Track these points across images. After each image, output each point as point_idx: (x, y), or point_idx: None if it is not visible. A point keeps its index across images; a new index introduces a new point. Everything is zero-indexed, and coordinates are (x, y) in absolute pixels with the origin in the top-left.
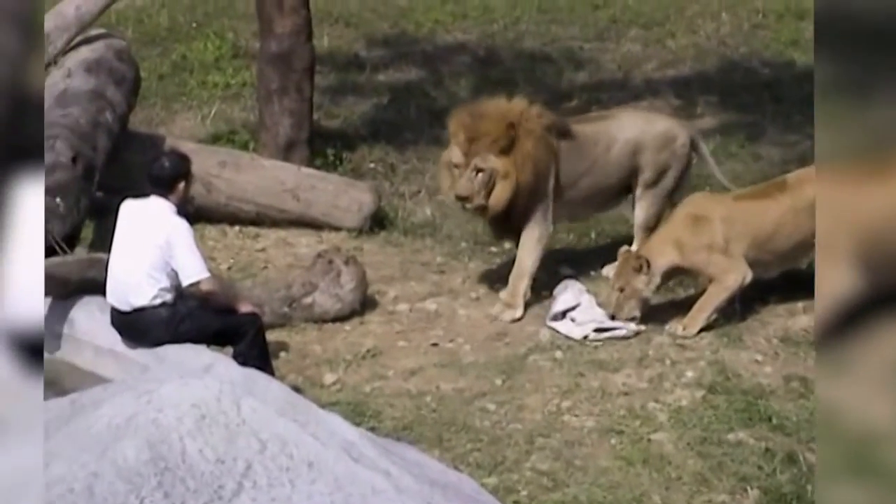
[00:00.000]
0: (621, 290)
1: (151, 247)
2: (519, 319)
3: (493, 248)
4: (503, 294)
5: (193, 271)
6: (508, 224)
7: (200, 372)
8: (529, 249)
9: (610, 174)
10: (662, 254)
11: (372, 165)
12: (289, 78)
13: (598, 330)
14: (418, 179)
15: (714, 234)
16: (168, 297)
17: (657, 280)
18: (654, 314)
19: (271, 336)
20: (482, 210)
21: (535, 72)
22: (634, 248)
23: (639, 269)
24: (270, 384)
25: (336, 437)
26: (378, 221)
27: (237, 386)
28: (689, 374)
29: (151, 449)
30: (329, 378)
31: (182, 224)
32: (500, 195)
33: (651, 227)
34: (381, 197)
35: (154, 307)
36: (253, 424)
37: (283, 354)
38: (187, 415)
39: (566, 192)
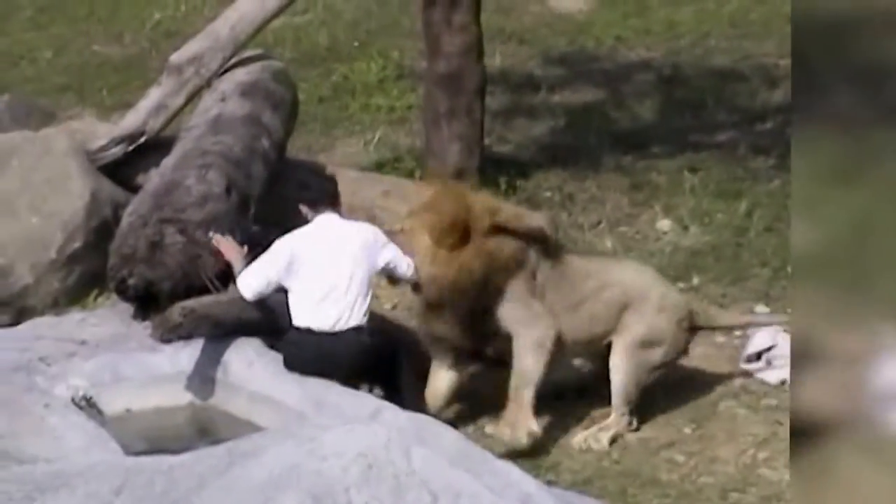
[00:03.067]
0: None
1: (359, 268)
2: (534, 437)
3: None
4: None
5: (409, 263)
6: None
7: (366, 418)
8: (528, 352)
9: (597, 319)
10: None
11: (548, 194)
12: (458, 100)
13: None
14: (598, 209)
15: None
16: (366, 321)
17: None
18: None
19: None
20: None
21: (725, 91)
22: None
23: None
24: (441, 431)
25: (512, 490)
26: None
27: (406, 433)
28: None
29: (315, 501)
30: None
31: (374, 227)
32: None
33: (631, 401)
34: (558, 228)
35: (361, 328)
36: (423, 475)
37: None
38: (353, 464)
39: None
